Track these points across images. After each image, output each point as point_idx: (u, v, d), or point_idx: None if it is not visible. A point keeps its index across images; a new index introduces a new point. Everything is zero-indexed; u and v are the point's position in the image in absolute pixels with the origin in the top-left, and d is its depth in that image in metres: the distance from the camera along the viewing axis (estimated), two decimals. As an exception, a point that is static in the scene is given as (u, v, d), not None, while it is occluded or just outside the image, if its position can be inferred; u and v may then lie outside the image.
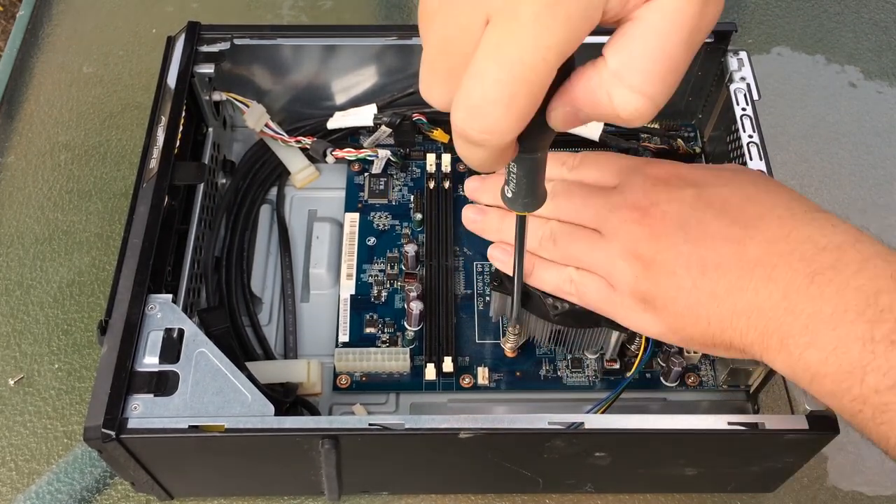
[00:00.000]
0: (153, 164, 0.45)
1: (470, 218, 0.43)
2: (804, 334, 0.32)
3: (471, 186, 0.44)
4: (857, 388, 0.31)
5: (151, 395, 0.38)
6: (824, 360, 0.32)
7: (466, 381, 0.46)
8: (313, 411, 0.44)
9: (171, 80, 0.48)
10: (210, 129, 0.53)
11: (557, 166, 0.42)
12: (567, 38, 0.24)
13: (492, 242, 0.43)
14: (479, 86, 0.24)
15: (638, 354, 0.44)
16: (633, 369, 0.44)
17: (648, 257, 0.36)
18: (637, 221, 0.36)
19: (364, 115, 0.52)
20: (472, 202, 0.44)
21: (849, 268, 0.32)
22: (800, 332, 0.32)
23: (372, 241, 0.51)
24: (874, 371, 0.30)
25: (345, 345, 0.47)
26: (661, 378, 0.46)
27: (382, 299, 0.49)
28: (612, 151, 0.42)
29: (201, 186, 0.49)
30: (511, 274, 0.39)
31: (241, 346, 0.46)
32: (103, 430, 0.36)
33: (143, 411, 0.37)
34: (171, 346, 0.39)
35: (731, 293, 0.34)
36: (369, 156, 0.53)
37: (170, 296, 0.41)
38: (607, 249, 0.37)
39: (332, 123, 0.53)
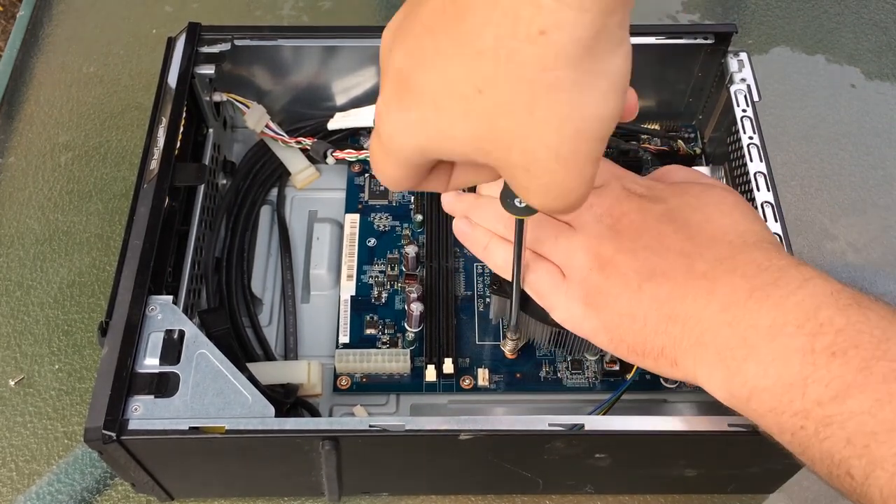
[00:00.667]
0: (154, 164, 0.45)
1: (461, 229, 0.43)
2: (742, 347, 0.32)
3: (447, 201, 0.44)
4: (798, 401, 0.30)
5: (152, 397, 0.38)
6: (763, 372, 0.31)
7: (467, 382, 0.46)
8: (314, 412, 0.44)
9: (172, 80, 0.48)
10: (210, 130, 0.53)
11: None
12: None
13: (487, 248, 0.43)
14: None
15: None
16: (633, 371, 0.44)
17: (606, 257, 0.37)
18: (606, 224, 0.38)
19: (365, 116, 0.52)
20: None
21: (789, 285, 0.32)
22: (738, 345, 0.32)
23: (372, 242, 0.51)
24: (816, 383, 0.30)
25: (345, 346, 0.47)
26: (661, 379, 0.46)
27: (383, 300, 0.49)
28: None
29: (202, 187, 0.49)
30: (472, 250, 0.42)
31: (241, 347, 0.46)
32: (104, 431, 0.36)
33: (144, 412, 0.37)
34: (172, 348, 0.39)
35: (671, 299, 0.35)
36: (370, 157, 0.53)
37: (170, 297, 0.41)
38: (572, 239, 0.38)
39: (333, 124, 0.53)
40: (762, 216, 0.45)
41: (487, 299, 0.48)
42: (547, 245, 0.39)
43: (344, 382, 0.46)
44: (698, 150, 0.55)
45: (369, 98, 0.54)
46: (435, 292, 0.48)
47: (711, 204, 0.38)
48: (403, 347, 0.47)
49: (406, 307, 0.47)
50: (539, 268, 0.39)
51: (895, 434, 0.28)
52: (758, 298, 0.33)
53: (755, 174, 0.46)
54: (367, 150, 0.53)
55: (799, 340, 0.31)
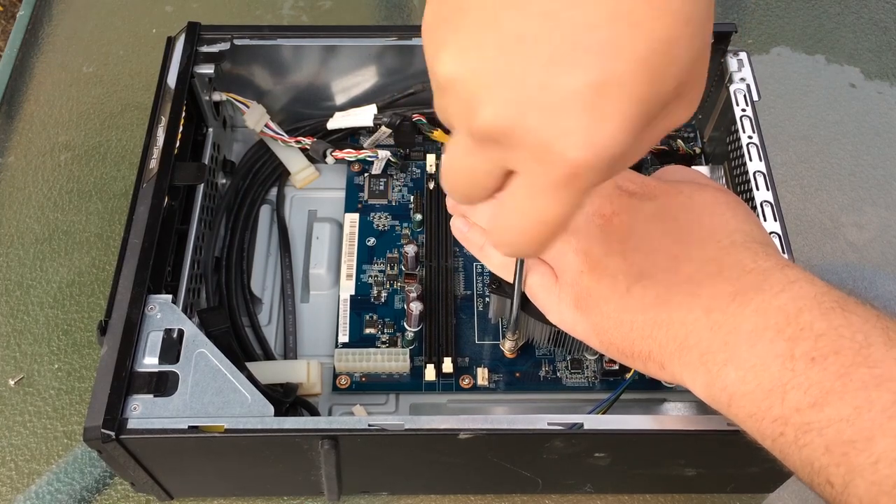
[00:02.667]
0: (153, 164, 0.45)
1: (458, 228, 0.43)
2: (723, 351, 0.32)
3: (449, 201, 0.44)
4: (777, 407, 0.30)
5: (151, 396, 0.38)
6: (742, 378, 0.31)
7: (466, 381, 0.46)
8: (313, 412, 0.44)
9: (172, 80, 0.48)
10: (210, 130, 0.53)
11: None
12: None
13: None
14: (508, 236, 0.28)
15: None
16: (632, 370, 0.44)
17: (596, 258, 0.37)
18: (597, 225, 0.38)
19: (364, 116, 0.52)
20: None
21: (772, 289, 0.32)
22: (718, 349, 0.32)
23: (372, 241, 0.51)
24: (795, 389, 0.30)
25: (344, 345, 0.47)
26: (661, 379, 0.46)
27: (382, 300, 0.49)
28: None
29: (201, 186, 0.49)
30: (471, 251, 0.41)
31: (240, 346, 0.46)
32: (103, 430, 0.36)
33: (143, 412, 0.37)
34: (171, 347, 0.39)
35: (657, 304, 0.35)
36: (369, 156, 0.53)
37: (170, 296, 0.41)
38: (564, 241, 0.38)
39: (332, 124, 0.53)
40: (761, 216, 0.45)
41: (487, 299, 0.48)
42: None
43: (343, 382, 0.46)
44: (698, 150, 0.54)
45: (369, 98, 0.54)
46: (434, 292, 0.48)
47: (703, 203, 0.37)
48: (403, 347, 0.47)
49: (405, 306, 0.47)
50: (532, 269, 0.39)
51: (873, 442, 0.28)
52: (740, 302, 0.32)
53: (755, 173, 0.46)
54: (365, 149, 0.53)
55: (779, 346, 0.30)
